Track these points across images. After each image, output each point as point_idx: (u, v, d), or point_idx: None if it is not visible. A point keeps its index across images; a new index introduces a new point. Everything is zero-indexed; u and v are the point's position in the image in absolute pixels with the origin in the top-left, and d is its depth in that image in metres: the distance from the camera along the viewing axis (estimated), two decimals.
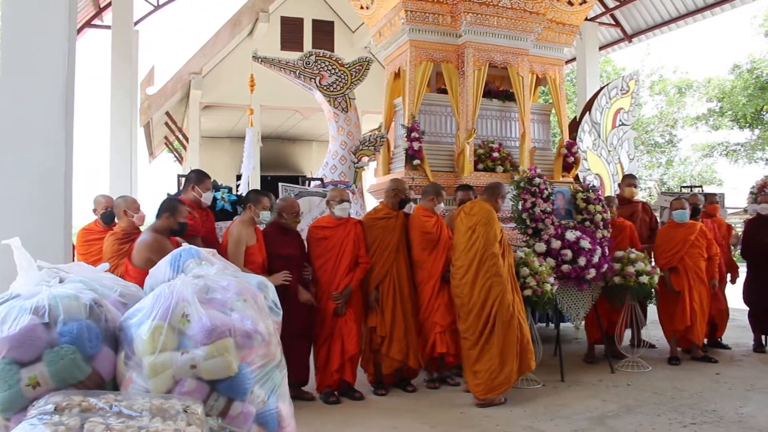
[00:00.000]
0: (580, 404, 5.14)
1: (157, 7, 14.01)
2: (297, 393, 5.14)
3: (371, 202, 7.93)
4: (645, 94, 28.92)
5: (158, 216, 4.54)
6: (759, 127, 22.95)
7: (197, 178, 5.29)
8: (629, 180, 7.57)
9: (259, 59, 7.74)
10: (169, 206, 4.53)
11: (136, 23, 13.38)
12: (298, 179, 7.72)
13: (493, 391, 5.09)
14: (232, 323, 2.16)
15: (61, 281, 2.33)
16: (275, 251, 5.15)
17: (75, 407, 1.87)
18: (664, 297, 6.67)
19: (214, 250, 2.78)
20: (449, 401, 5.29)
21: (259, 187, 11.65)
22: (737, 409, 4.97)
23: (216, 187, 5.89)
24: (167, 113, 16.31)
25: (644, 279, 6.17)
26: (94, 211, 6.08)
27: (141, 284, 2.73)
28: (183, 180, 5.76)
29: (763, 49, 22.17)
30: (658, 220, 8.00)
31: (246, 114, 11.05)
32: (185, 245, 2.79)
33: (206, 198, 5.27)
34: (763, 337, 7.28)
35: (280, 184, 6.62)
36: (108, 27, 13.03)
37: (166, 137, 20.22)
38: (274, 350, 2.27)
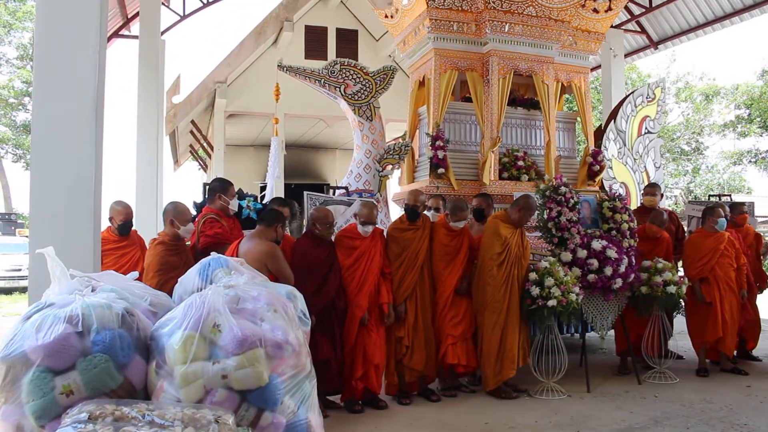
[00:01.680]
0: (607, 416, 5.07)
1: (183, 17, 14.18)
2: (323, 401, 5.14)
3: (395, 211, 7.94)
4: (671, 101, 28.62)
5: (269, 224, 4.76)
6: None
7: (221, 186, 5.34)
8: (648, 189, 7.51)
9: (284, 68, 7.80)
10: (282, 218, 4.81)
11: (162, 33, 13.54)
12: (322, 188, 7.75)
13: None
14: (262, 333, 2.17)
15: (93, 290, 2.36)
16: (308, 261, 5.13)
17: (108, 416, 1.90)
18: (694, 308, 6.57)
19: (243, 260, 2.80)
20: (472, 410, 5.25)
21: (283, 196, 11.71)
22: None
23: (241, 196, 5.93)
24: (192, 122, 16.47)
25: (672, 289, 6.08)
26: (111, 219, 5.67)
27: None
28: (208, 189, 5.79)
29: None
30: (686, 229, 7.90)
31: (270, 122, 11.14)
32: (214, 254, 2.81)
33: (233, 205, 5.33)
34: None
35: (305, 192, 6.65)
36: (135, 37, 13.20)
37: (191, 145, 20.41)
38: (303, 361, 2.28)
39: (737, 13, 12.78)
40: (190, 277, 2.72)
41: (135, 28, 13.47)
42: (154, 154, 12.66)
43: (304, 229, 6.38)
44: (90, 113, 5.06)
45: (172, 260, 4.77)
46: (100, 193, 5.29)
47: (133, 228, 5.73)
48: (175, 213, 4.86)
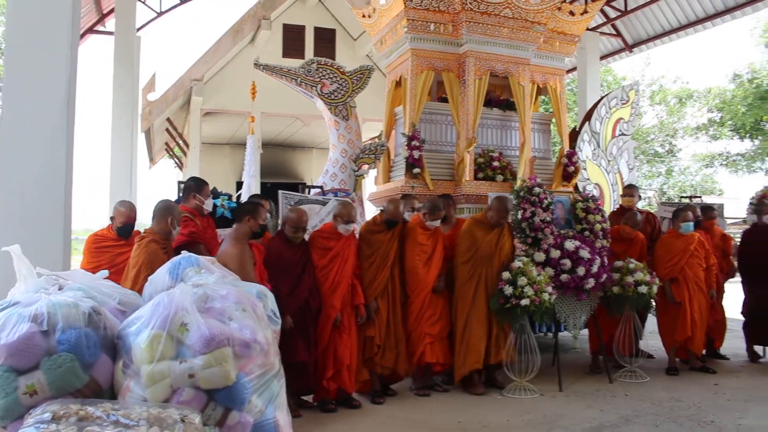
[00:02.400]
0: (578, 414, 5.12)
1: (160, 14, 14.07)
2: (297, 401, 5.13)
3: (371, 211, 7.94)
4: (645, 103, 28.93)
5: (238, 220, 4.66)
6: (759, 137, 22.98)
7: (196, 185, 5.29)
8: (626, 190, 7.61)
9: (261, 67, 7.76)
10: (250, 209, 4.61)
11: (138, 29, 13.43)
12: (297, 187, 7.72)
13: None
14: (230, 332, 2.16)
15: (60, 288, 2.34)
16: (281, 261, 5.10)
17: (72, 416, 1.88)
18: (664, 307, 6.67)
19: (214, 258, 2.78)
20: (446, 409, 5.28)
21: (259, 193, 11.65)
22: (736, 421, 4.95)
23: (216, 194, 5.89)
24: (168, 119, 16.33)
25: (643, 289, 6.16)
26: (112, 218, 5.51)
27: None
28: (183, 188, 5.73)
29: (763, 60, 22.21)
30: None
31: (246, 120, 11.08)
32: (184, 253, 2.79)
33: (208, 205, 5.28)
34: (763, 348, 7.29)
35: (280, 192, 6.62)
36: (111, 33, 13.08)
37: (166, 143, 20.23)
38: (272, 360, 2.27)
39: (710, 18, 13.01)
40: (161, 275, 2.70)
41: (110, 24, 13.34)
42: (129, 152, 12.56)
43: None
44: (61, 110, 5.01)
45: (165, 259, 4.66)
46: (71, 191, 5.23)
47: (136, 229, 5.43)
48: (173, 212, 4.65)
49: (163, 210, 4.56)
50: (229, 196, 6.19)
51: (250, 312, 2.28)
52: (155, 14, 14.01)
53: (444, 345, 5.80)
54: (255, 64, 7.81)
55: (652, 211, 8.14)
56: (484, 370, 5.91)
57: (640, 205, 26.42)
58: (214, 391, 2.13)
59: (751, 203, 8.33)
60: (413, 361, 5.71)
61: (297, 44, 15.85)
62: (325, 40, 16.13)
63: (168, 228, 4.51)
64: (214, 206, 5.73)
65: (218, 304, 2.27)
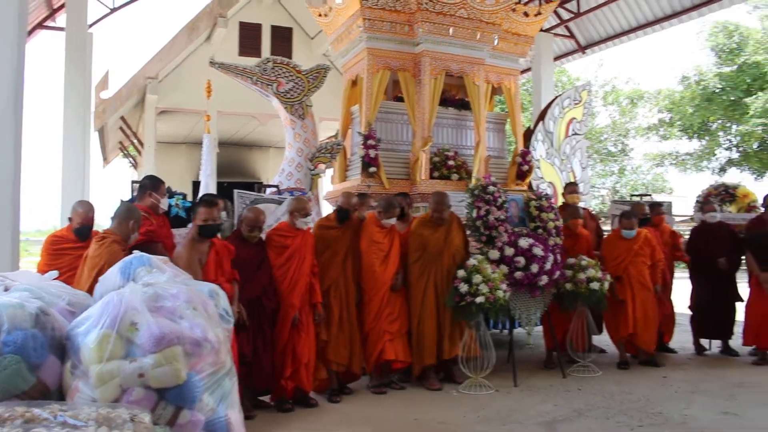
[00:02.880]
0: (532, 409, 5.20)
1: (113, 10, 13.81)
2: (253, 401, 5.11)
3: (327, 210, 7.93)
4: (598, 104, 29.57)
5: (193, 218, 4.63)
6: (706, 137, 23.65)
7: (152, 184, 5.23)
8: (571, 187, 7.75)
9: (216, 65, 7.69)
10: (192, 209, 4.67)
11: (90, 26, 13.15)
12: (253, 186, 7.67)
13: None
14: (181, 331, 2.15)
15: (6, 289, 2.29)
16: (237, 260, 5.04)
17: (18, 418, 1.84)
18: (611, 304, 6.81)
19: (167, 258, 2.76)
20: (402, 407, 5.31)
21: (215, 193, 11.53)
22: (682, 411, 5.10)
23: (170, 194, 5.83)
24: (122, 118, 16.05)
25: (595, 285, 6.29)
26: (70, 219, 5.28)
27: None
28: (137, 186, 5.65)
29: (709, 62, 22.84)
30: (610, 227, 8.18)
31: (202, 119, 10.96)
32: (136, 253, 2.77)
33: (164, 204, 5.23)
34: (708, 341, 7.52)
35: (235, 191, 6.57)
36: (61, 29, 12.79)
37: (120, 142, 19.87)
38: (223, 358, 2.27)
39: (659, 21, 13.38)
40: (112, 275, 2.66)
41: (62, 19, 13.03)
42: (82, 151, 12.30)
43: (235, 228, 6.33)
44: (8, 107, 4.90)
45: (116, 258, 4.60)
46: (20, 191, 5.12)
47: (95, 230, 5.21)
48: (135, 217, 4.58)
49: (126, 213, 4.51)
50: (184, 196, 6.13)
51: (201, 310, 2.27)
52: (108, 10, 13.74)
53: (403, 342, 5.84)
54: (210, 62, 7.74)
55: (601, 210, 8.30)
56: (441, 366, 5.98)
57: (594, 203, 26.98)
58: (165, 390, 2.12)
59: (697, 201, 8.60)
60: (372, 359, 5.74)
61: (253, 42, 15.73)
62: (282, 38, 16.05)
63: (128, 231, 4.46)
64: (169, 206, 5.67)
65: (169, 303, 2.26)
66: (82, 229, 5.11)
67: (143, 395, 2.08)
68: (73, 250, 5.02)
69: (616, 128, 29.51)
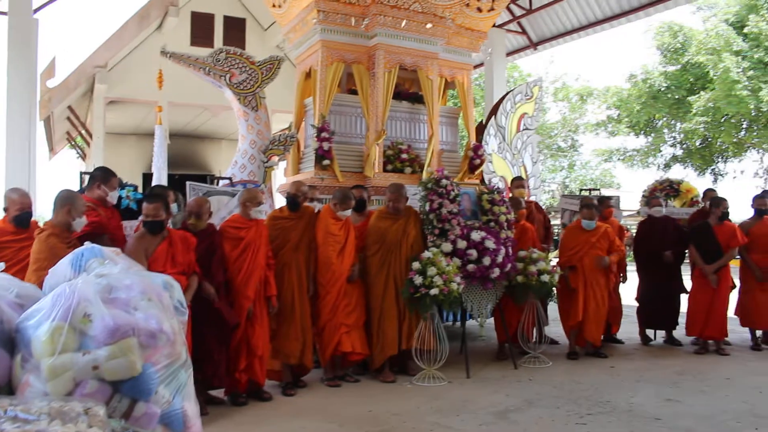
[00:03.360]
0: (485, 399, 5.30)
1: None
2: (206, 397, 5.07)
3: (280, 202, 7.90)
4: (549, 100, 30.10)
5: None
6: (652, 134, 24.28)
7: (103, 176, 5.12)
8: (518, 182, 7.91)
9: (168, 55, 7.58)
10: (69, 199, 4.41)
11: (35, 11, 12.74)
12: (206, 178, 7.60)
13: None
14: (136, 322, 2.13)
15: None
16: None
17: None
18: (563, 294, 6.97)
19: (118, 249, 2.72)
20: (356, 400, 5.35)
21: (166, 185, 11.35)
22: (628, 399, 5.28)
23: (121, 185, 5.72)
24: (69, 107, 15.64)
25: (546, 278, 6.42)
26: (5, 209, 4.97)
27: None
28: (87, 178, 5.53)
29: (655, 61, 23.42)
30: (560, 221, 8.35)
31: (154, 110, 10.78)
32: (88, 244, 2.72)
33: (112, 197, 5.11)
34: (653, 331, 7.76)
35: (187, 183, 6.50)
36: (4, 13, 12.36)
37: (68, 132, 19.37)
38: (179, 349, 2.26)
39: (607, 20, 13.69)
40: (63, 267, 2.61)
41: (4, 3, 12.60)
42: (27, 141, 11.92)
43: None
44: None
45: (67, 252, 4.41)
46: None
47: (34, 219, 5.09)
48: (73, 202, 4.38)
49: (62, 200, 4.33)
50: (135, 188, 6.03)
51: (156, 302, 2.25)
52: None
53: (360, 334, 5.88)
54: (162, 52, 7.62)
55: (551, 204, 8.47)
56: (396, 359, 6.05)
57: (544, 197, 27.46)
58: (120, 383, 2.10)
59: (643, 196, 8.85)
60: (328, 352, 5.75)
61: (206, 33, 15.51)
62: (235, 29, 15.86)
63: (68, 219, 4.30)
64: (120, 197, 5.57)
65: (123, 294, 2.23)
66: (21, 217, 4.86)
67: (97, 388, 2.05)
68: (14, 242, 4.77)
69: (566, 124, 30.11)
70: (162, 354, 2.21)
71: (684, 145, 23.84)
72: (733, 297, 7.41)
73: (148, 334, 2.16)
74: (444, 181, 6.23)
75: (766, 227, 7.22)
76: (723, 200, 7.28)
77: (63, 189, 4.55)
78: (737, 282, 7.48)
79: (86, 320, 2.10)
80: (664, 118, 23.28)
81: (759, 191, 8.64)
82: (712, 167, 24.12)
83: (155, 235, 4.66)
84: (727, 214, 7.21)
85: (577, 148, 30.90)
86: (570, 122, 29.97)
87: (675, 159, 24.43)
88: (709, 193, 7.85)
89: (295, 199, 5.76)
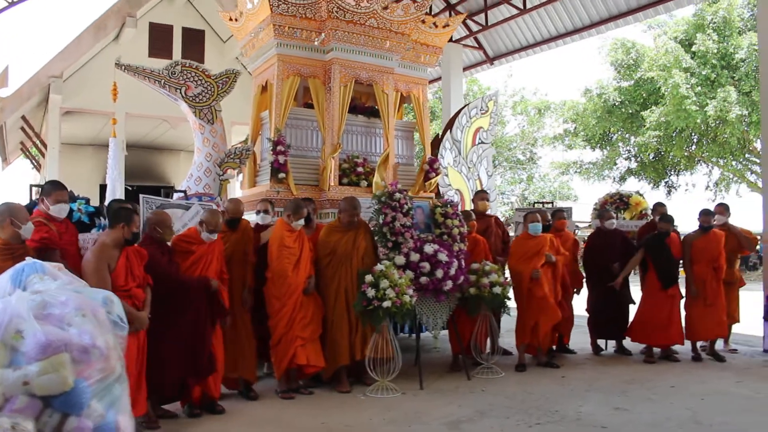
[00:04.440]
0: (437, 411, 5.36)
1: (12, 3, 13.19)
2: (160, 411, 5.05)
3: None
4: (508, 113, 30.53)
5: (111, 226, 4.60)
6: (607, 147, 24.76)
7: (47, 190, 5.04)
8: (482, 195, 8.01)
9: (122, 67, 7.55)
10: (125, 216, 4.56)
11: None
12: (160, 190, 7.55)
13: None
14: (69, 338, 2.14)
15: None
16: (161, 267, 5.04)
17: None
18: (519, 306, 7.07)
19: (62, 265, 2.72)
20: (310, 412, 5.36)
21: (123, 198, 11.23)
22: (577, 408, 5.40)
23: (72, 198, 5.65)
24: (23, 117, 15.37)
25: (498, 290, 6.51)
26: None
27: None
28: (36, 190, 5.45)
29: (609, 76, 23.94)
30: (512, 234, 8.49)
31: (110, 122, 10.66)
32: (29, 260, 2.72)
33: (55, 211, 4.94)
34: (605, 341, 7.93)
35: (141, 195, 6.44)
36: None
37: (22, 143, 19.00)
38: (113, 364, 2.27)
39: (561, 36, 14.06)
40: (2, 283, 2.60)
41: None
42: None
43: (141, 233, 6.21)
44: None
45: (7, 266, 4.29)
46: None
47: None
48: (11, 212, 4.21)
49: (1, 215, 4.20)
50: (87, 201, 5.96)
51: (90, 317, 2.26)
52: (7, 3, 13.13)
53: (316, 347, 5.89)
54: (116, 63, 7.59)
55: (509, 216, 8.59)
56: (352, 369, 6.09)
57: (503, 209, 27.78)
58: (51, 398, 2.10)
59: (594, 209, 9.05)
60: (283, 365, 5.74)
61: (164, 44, 15.41)
62: (194, 41, 15.80)
63: (12, 231, 4.18)
64: (71, 210, 5.49)
65: (57, 310, 2.24)
66: None
67: (27, 403, 2.05)
68: None
69: (524, 137, 30.54)
70: (95, 369, 2.22)
71: (638, 159, 24.35)
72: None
73: (81, 350, 2.17)
74: (397, 195, 6.29)
75: (709, 242, 7.44)
76: (708, 212, 7.59)
77: (3, 203, 4.45)
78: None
79: (18, 336, 2.10)
80: (619, 132, 23.76)
81: (710, 204, 8.93)
82: (666, 180, 24.65)
83: (116, 248, 4.60)
84: (710, 225, 7.47)
85: (536, 160, 31.37)
86: (528, 135, 30.42)
87: (630, 172, 24.92)
88: (659, 208, 8.06)
89: (234, 222, 5.89)
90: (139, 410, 4.41)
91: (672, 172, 24.56)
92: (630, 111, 22.45)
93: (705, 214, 7.57)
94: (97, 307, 2.35)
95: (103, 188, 15.10)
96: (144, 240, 5.16)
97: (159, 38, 15.42)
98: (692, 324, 7.46)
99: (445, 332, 7.15)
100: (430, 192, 8.58)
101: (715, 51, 19.68)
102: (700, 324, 7.40)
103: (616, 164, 25.25)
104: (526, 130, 30.52)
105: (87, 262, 4.43)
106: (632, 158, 24.68)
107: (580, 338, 8.01)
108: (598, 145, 24.54)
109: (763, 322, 7.90)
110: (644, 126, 21.33)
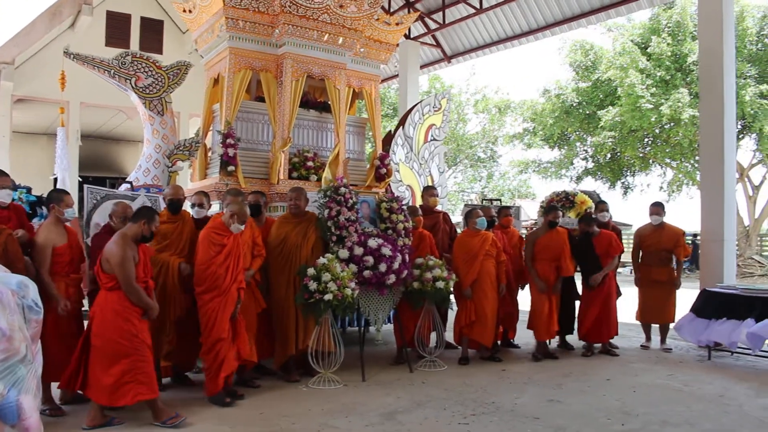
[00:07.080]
0: (376, 402, 5.48)
1: None
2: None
3: (187, 207, 7.88)
4: (470, 111, 30.81)
5: (134, 221, 4.82)
6: (564, 147, 25.15)
7: None
8: (431, 191, 8.11)
9: (71, 56, 7.50)
10: (147, 214, 4.81)
11: None
12: (105, 181, 7.54)
13: None
14: None
15: None
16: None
17: None
18: (458, 301, 7.21)
19: None
20: (249, 403, 5.44)
21: (75, 188, 11.13)
22: (513, 400, 5.56)
23: (14, 187, 5.64)
24: None
25: (441, 284, 6.63)
26: None
27: None
28: None
29: (568, 77, 24.34)
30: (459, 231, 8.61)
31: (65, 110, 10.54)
32: None
33: (5, 196, 5.06)
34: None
35: (85, 186, 6.44)
36: None
37: None
38: (17, 345, 2.29)
39: (517, 36, 14.29)
40: None
41: None
42: None
43: (85, 224, 6.21)
44: None
45: None
46: None
47: None
48: None
49: None
50: (28, 189, 5.95)
51: None
52: None
53: (261, 341, 6.04)
54: (65, 52, 7.54)
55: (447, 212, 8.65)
56: (302, 361, 6.15)
57: (461, 207, 27.97)
58: None
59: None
60: (220, 381, 5.68)
61: (121, 33, 15.26)
62: (153, 30, 15.67)
63: None
64: (13, 199, 5.47)
65: None
66: None
67: None
68: None
69: (485, 135, 30.86)
70: None
71: (595, 159, 24.80)
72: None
73: None
74: (342, 189, 6.38)
75: (552, 240, 7.51)
76: (555, 209, 7.71)
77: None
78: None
79: None
80: (576, 132, 24.16)
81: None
82: (622, 180, 25.17)
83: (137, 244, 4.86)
84: (556, 222, 7.60)
85: (496, 159, 31.74)
86: (489, 133, 30.76)
87: (587, 172, 25.33)
88: (600, 206, 8.24)
89: (176, 206, 5.93)
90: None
91: (628, 173, 25.06)
92: (587, 112, 22.86)
93: (551, 210, 7.71)
94: (3, 291, 2.38)
95: (56, 179, 14.90)
96: (104, 230, 5.30)
97: (116, 27, 15.25)
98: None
99: (392, 326, 7.27)
100: (381, 188, 8.63)
101: (670, 54, 20.16)
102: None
103: (573, 164, 25.65)
104: (487, 128, 30.85)
105: (114, 254, 4.64)
106: (589, 158, 25.11)
107: (525, 333, 8.17)
108: (556, 144, 24.91)
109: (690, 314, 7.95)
110: (600, 126, 21.73)
